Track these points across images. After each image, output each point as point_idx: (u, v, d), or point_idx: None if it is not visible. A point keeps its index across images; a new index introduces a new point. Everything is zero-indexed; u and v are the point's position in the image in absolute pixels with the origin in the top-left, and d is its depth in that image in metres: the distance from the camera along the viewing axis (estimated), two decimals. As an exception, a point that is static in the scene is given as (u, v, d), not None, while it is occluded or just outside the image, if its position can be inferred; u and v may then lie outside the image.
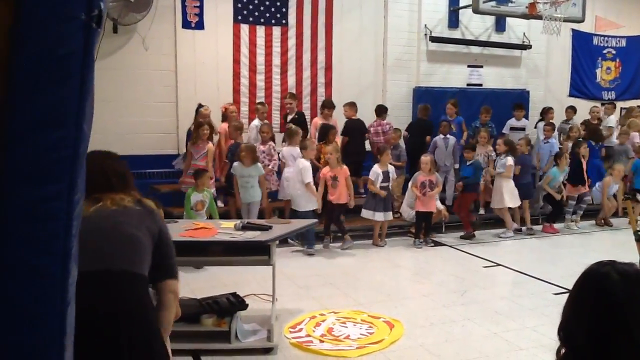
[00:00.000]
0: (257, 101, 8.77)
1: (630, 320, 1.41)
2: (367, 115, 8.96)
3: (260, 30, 8.88)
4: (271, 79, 9.04)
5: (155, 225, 2.27)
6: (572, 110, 10.43)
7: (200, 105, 7.90)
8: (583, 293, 1.53)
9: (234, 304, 4.59)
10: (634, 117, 10.81)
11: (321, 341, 4.59)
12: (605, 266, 1.52)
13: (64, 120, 1.09)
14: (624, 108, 11.46)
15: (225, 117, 8.18)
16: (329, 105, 8.62)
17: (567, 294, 1.59)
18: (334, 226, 7.69)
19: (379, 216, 7.65)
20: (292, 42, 9.10)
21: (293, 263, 6.95)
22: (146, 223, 2.23)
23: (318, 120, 8.62)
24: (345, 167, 7.50)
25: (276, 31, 8.99)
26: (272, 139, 8.09)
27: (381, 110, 8.96)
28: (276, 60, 9.04)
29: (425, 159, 7.78)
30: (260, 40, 8.91)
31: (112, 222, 2.17)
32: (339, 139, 8.25)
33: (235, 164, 7.21)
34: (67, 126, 1.09)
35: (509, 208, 8.42)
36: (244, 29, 8.79)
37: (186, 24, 8.45)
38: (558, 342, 1.66)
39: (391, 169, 7.84)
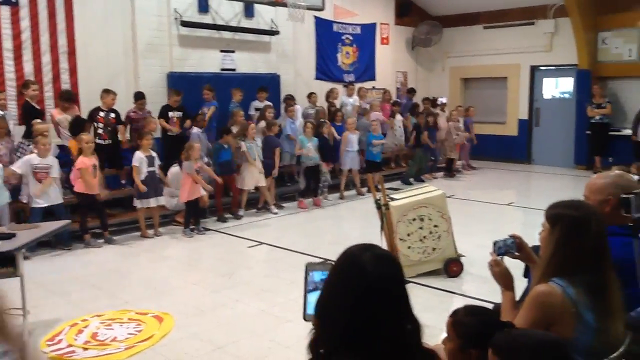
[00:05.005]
0: (-12, 90, 7.71)
1: (380, 300, 1.54)
2: (119, 103, 8.51)
3: (-15, 10, 7.78)
4: (2, 64, 7.98)
5: None
6: (314, 95, 11.21)
7: None
8: (340, 272, 1.63)
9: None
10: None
11: (85, 349, 4.31)
12: (362, 249, 1.64)
13: None
14: (365, 89, 12.71)
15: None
16: (67, 97, 8.01)
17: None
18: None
19: (153, 202, 7.60)
20: (25, 23, 8.12)
21: (46, 268, 6.38)
22: None
23: (57, 114, 7.91)
24: (96, 156, 7.38)
25: (5, 11, 7.93)
26: (8, 133, 7.28)
27: (139, 96, 8.74)
28: (7, 44, 7.98)
29: (196, 145, 7.74)
30: (-14, 21, 7.81)
31: None
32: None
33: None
34: None
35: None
36: (-37, 7, 7.61)
37: None
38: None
39: (154, 154, 7.72)
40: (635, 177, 3.76)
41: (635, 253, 2.43)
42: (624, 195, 2.47)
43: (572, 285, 2.17)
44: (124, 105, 8.67)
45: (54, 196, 7.02)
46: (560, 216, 2.28)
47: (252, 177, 8.70)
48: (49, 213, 6.98)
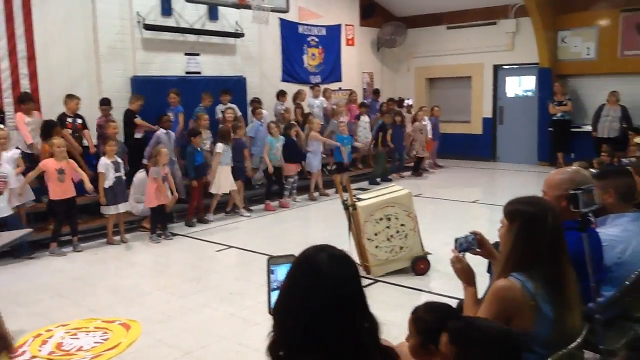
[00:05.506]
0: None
1: (336, 300, 1.56)
2: (83, 108, 8.36)
3: (-61, 15, 7.56)
4: (-40, 70, 7.80)
5: None
6: (283, 94, 11.23)
7: None
8: (296, 273, 1.66)
9: None
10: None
11: (49, 360, 4.23)
12: (317, 250, 1.67)
13: None
14: (332, 90, 12.76)
15: None
16: (23, 99, 7.83)
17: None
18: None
19: (121, 208, 7.50)
20: (-18, 28, 7.95)
21: (9, 277, 6.23)
22: None
23: (24, 117, 7.74)
24: (72, 161, 7.23)
25: (-40, 16, 7.75)
26: None
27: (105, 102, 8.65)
28: (-37, 50, 7.81)
29: (164, 150, 7.65)
30: (-60, 26, 7.59)
31: None
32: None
33: None
34: None
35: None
36: None
37: None
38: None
39: (120, 160, 7.64)
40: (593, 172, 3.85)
41: (585, 247, 2.50)
42: (572, 191, 2.53)
43: (531, 279, 2.22)
44: (88, 110, 8.52)
45: (5, 207, 6.76)
46: (518, 212, 2.33)
47: (227, 181, 8.64)
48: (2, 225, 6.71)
